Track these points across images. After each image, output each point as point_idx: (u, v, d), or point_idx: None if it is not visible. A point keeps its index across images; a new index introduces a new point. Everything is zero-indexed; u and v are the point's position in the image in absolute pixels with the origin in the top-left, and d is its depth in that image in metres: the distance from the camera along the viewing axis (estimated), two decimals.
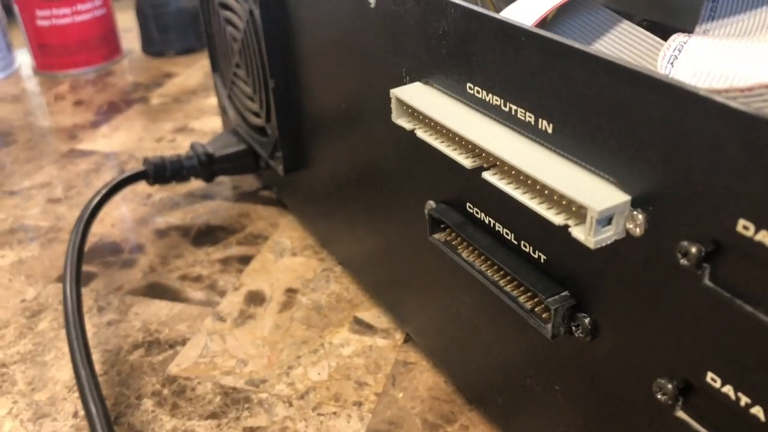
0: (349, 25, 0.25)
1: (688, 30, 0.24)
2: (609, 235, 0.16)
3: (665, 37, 0.22)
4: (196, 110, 0.55)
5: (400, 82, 0.23)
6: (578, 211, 0.16)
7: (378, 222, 0.29)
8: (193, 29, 0.66)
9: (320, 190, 0.34)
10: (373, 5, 0.23)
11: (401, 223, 0.27)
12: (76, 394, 0.29)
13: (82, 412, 0.28)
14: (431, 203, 0.24)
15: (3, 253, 0.38)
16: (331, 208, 0.33)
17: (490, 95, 0.19)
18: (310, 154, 0.33)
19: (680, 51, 0.18)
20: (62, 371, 0.30)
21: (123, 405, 0.28)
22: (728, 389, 0.15)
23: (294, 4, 0.29)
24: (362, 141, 0.28)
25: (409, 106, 0.22)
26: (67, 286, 0.30)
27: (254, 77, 0.34)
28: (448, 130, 0.20)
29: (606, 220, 0.16)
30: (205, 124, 0.52)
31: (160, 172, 0.38)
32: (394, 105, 0.22)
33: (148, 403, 0.28)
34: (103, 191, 0.36)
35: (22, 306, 0.34)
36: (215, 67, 0.42)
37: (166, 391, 0.29)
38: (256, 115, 0.36)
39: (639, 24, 0.28)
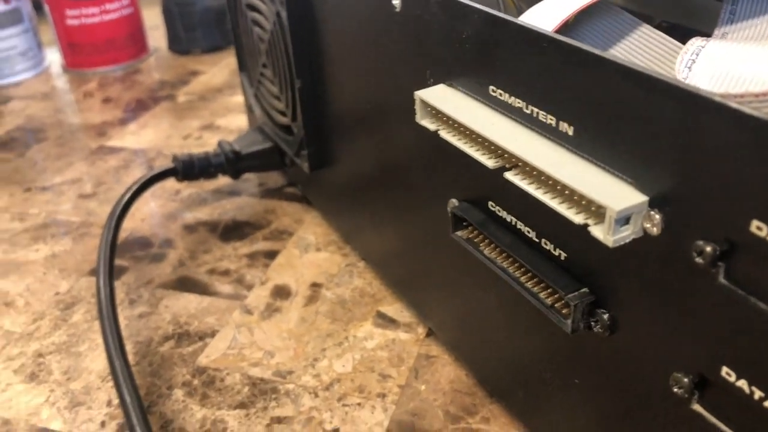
0: (374, 28, 0.26)
1: (708, 32, 0.24)
2: (627, 234, 0.17)
3: (685, 40, 0.22)
4: (222, 108, 0.56)
5: (424, 84, 0.24)
6: (597, 211, 0.17)
7: (401, 219, 0.30)
8: (218, 28, 0.67)
9: (344, 187, 0.35)
10: (398, 9, 0.24)
11: (424, 220, 0.28)
12: (110, 384, 0.30)
13: (115, 401, 0.29)
14: (454, 201, 0.24)
15: (37, 247, 0.40)
16: (354, 204, 0.34)
17: (512, 98, 0.20)
18: (335, 152, 0.34)
19: (698, 55, 0.19)
20: (96, 362, 0.31)
21: (155, 395, 0.29)
22: (742, 383, 0.16)
23: (320, 6, 0.30)
24: (386, 140, 0.28)
25: (433, 108, 0.22)
26: (100, 279, 0.31)
27: (281, 77, 0.35)
28: (472, 132, 0.21)
29: (624, 219, 0.17)
30: (231, 121, 0.53)
31: (188, 169, 0.39)
32: (418, 106, 0.23)
33: (178, 393, 0.29)
34: (134, 188, 0.37)
35: (56, 299, 0.35)
36: (242, 66, 0.43)
37: (196, 382, 0.30)
38: (282, 114, 0.37)
39: (659, 25, 0.29)
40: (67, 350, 0.32)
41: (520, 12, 0.30)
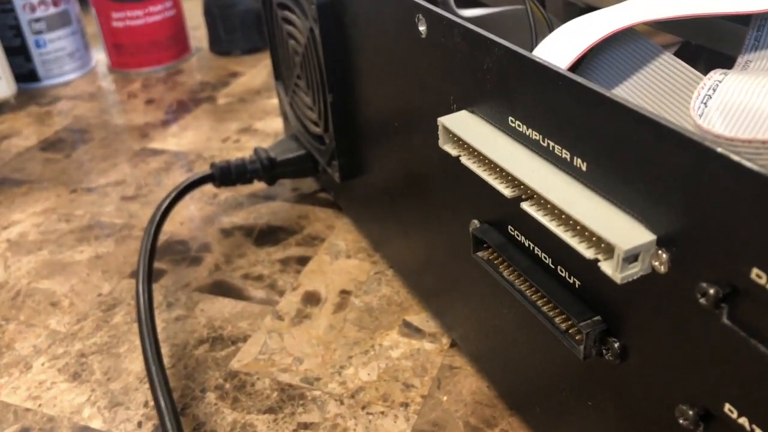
0: (402, 52, 0.27)
1: (735, 56, 0.24)
2: (635, 271, 0.17)
3: (710, 63, 0.23)
4: (260, 111, 0.57)
5: (448, 109, 0.24)
6: (607, 247, 0.18)
7: (426, 233, 0.30)
8: (258, 29, 0.68)
9: (374, 198, 0.36)
10: (423, 36, 0.25)
11: (447, 237, 0.28)
12: (147, 385, 0.31)
13: (152, 402, 0.30)
14: (475, 222, 0.25)
15: (81, 248, 0.42)
16: (383, 215, 0.35)
17: (529, 130, 0.20)
18: (365, 163, 0.35)
19: (714, 90, 0.19)
20: (134, 363, 0.33)
21: (189, 397, 0.31)
22: (744, 421, 0.16)
23: (351, 26, 0.31)
24: (412, 158, 0.29)
25: (455, 135, 0.23)
26: (139, 284, 0.32)
27: (314, 89, 0.36)
28: (491, 161, 0.21)
29: (632, 257, 0.17)
30: (268, 125, 0.55)
31: (225, 175, 0.40)
32: (441, 132, 0.23)
33: (211, 397, 0.30)
34: (173, 194, 0.38)
35: (98, 300, 0.37)
36: (278, 75, 0.44)
37: (227, 386, 0.31)
38: (315, 124, 0.38)
39: (688, 44, 0.29)
40: (108, 351, 0.33)
41: (551, 28, 0.30)
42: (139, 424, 0.29)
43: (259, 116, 0.56)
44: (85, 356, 0.33)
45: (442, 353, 0.32)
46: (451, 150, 0.23)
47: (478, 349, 0.29)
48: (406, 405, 0.29)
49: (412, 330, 0.33)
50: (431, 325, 0.33)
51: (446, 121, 0.23)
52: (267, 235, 0.41)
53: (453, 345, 0.32)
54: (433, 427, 0.28)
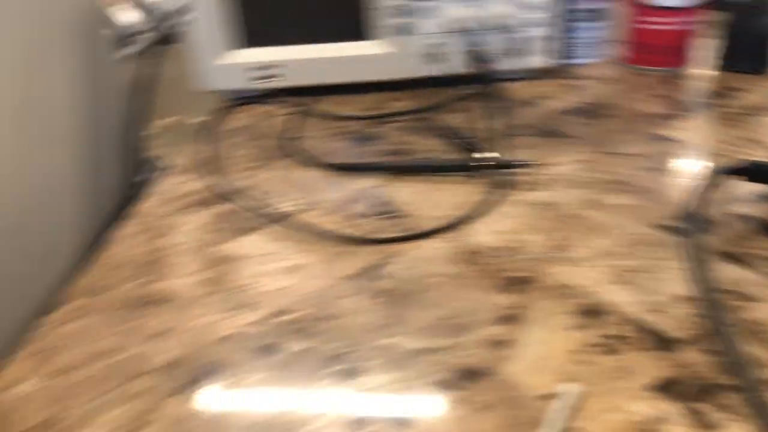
0: None
1: None
2: None
3: None
4: (761, 126, 0.64)
5: None
6: None
7: None
8: (762, 52, 0.74)
9: None
10: None
11: None
12: (680, 305, 0.42)
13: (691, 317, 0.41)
14: None
15: (609, 196, 0.54)
16: None
17: None
18: None
19: None
20: (671, 285, 0.43)
21: None
22: None
23: None
24: None
25: None
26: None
27: None
28: None
29: None
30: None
31: (758, 172, 0.49)
32: None
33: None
34: (710, 176, 0.48)
35: (641, 235, 0.49)
36: None
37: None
38: None
39: None
40: (648, 272, 0.45)
41: None
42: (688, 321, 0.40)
43: (760, 130, 0.63)
44: (628, 271, 0.45)
45: None
46: None
47: None
48: None
49: None
50: None
51: None
52: None
53: None
54: None
